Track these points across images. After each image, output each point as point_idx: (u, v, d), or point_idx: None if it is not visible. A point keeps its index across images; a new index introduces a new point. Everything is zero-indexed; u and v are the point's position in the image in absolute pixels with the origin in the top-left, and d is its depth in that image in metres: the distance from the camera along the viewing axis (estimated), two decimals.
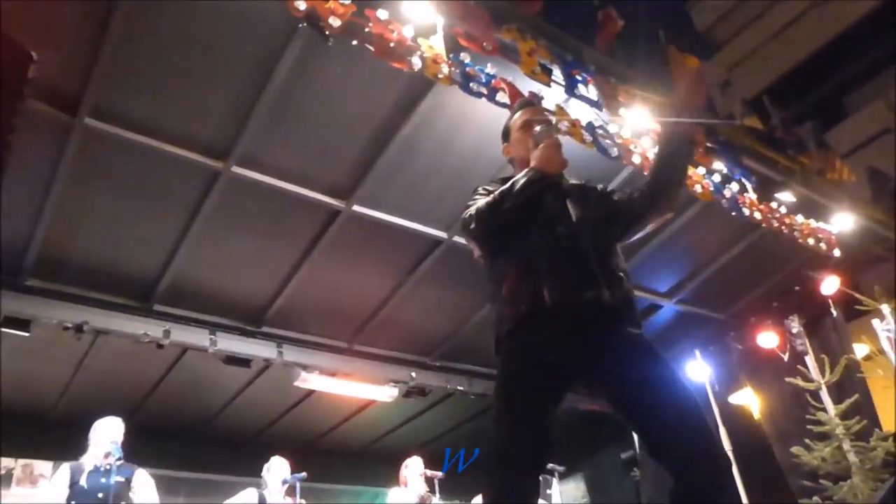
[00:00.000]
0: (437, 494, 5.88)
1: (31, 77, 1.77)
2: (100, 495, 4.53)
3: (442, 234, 5.70)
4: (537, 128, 2.35)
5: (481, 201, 2.30)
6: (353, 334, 6.85)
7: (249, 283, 6.04)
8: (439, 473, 5.90)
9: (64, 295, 5.46)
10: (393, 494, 5.87)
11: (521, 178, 2.25)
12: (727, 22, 12.46)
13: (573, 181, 2.46)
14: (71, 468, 4.67)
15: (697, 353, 7.59)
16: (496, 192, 2.28)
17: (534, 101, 2.66)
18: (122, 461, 4.67)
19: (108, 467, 4.59)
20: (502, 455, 1.99)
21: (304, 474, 5.49)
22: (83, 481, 4.60)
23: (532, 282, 2.13)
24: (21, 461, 6.71)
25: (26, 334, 5.32)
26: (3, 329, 5.25)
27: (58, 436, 6.21)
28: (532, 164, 2.28)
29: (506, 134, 2.58)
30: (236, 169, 4.81)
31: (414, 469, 5.86)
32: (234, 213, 5.22)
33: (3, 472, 6.62)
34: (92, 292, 5.59)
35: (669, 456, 1.94)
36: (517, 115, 2.56)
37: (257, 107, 4.40)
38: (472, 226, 2.28)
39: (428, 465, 6.02)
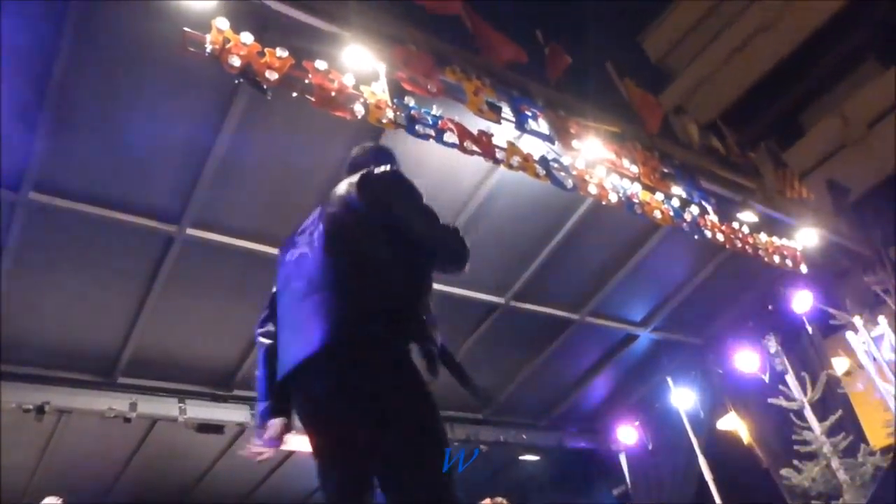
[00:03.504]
0: None
1: None
2: None
3: None
4: None
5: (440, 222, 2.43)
6: None
7: (215, 347, 5.87)
8: None
9: (21, 376, 5.24)
10: None
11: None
12: (679, 51, 12.74)
13: None
14: None
15: (678, 380, 7.50)
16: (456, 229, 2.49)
17: None
18: None
19: None
20: None
21: None
22: None
23: (417, 293, 2.32)
24: None
25: None
26: None
27: None
28: None
29: None
30: (191, 231, 4.73)
31: None
32: (192, 276, 5.11)
33: None
34: (51, 371, 5.39)
35: None
36: None
37: (206, 167, 4.36)
38: (445, 232, 2.42)
39: None
